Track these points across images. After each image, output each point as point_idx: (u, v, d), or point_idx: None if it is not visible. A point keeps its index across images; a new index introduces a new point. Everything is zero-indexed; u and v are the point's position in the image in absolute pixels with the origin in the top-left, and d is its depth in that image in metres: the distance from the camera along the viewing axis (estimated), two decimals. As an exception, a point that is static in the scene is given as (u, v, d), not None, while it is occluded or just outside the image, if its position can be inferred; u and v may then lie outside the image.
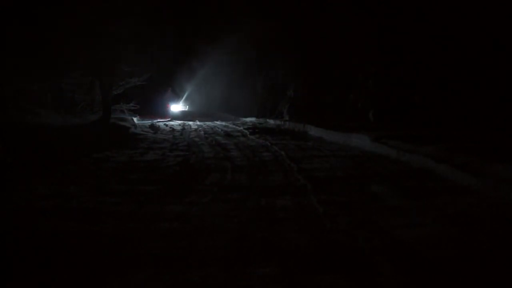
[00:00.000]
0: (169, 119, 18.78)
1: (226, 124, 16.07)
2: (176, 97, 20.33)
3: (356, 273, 2.35)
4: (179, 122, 17.60)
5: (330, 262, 2.50)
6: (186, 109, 20.31)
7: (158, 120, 17.79)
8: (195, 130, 13.48)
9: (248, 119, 17.38)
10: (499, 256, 2.59)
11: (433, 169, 5.29)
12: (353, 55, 11.03)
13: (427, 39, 9.14)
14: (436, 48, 9.05)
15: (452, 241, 2.84)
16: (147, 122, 16.11)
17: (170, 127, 14.55)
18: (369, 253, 2.62)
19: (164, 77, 19.92)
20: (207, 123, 16.88)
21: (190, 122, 17.24)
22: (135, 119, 15.57)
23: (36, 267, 2.46)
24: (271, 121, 14.79)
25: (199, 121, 17.74)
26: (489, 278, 2.31)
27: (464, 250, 2.68)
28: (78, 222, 3.30)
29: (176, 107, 20.14)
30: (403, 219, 3.36)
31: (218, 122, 17.04)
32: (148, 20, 14.25)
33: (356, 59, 10.99)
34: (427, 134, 7.22)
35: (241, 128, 13.34)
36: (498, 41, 8.04)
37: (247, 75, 19.17)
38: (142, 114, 17.24)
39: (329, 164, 6.13)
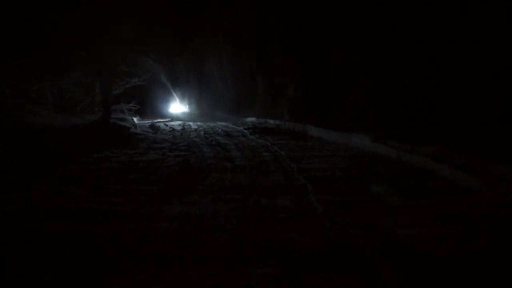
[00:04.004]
0: (169, 119, 18.79)
1: (226, 124, 16.07)
2: (177, 97, 20.34)
3: (356, 273, 2.35)
4: (179, 122, 17.61)
5: (330, 262, 2.50)
6: (186, 109, 20.31)
7: (158, 120, 17.79)
8: (195, 130, 13.48)
9: (248, 119, 17.38)
10: (499, 256, 2.59)
11: (433, 169, 5.29)
12: (353, 55, 11.02)
13: (427, 39, 9.13)
14: (436, 48, 9.04)
15: (452, 241, 2.84)
16: (147, 122, 16.12)
17: (170, 127, 14.55)
18: (369, 253, 2.62)
19: (164, 77, 19.92)
20: (207, 123, 16.89)
21: (190, 122, 17.24)
22: (135, 119, 15.57)
23: (36, 267, 2.46)
24: (271, 121, 14.79)
25: (199, 121, 17.75)
26: (489, 278, 2.31)
27: (464, 250, 2.68)
28: (78, 222, 3.30)
29: (176, 108, 20.15)
30: (403, 219, 3.36)
31: (218, 122, 17.05)
32: (148, 20, 14.25)
33: (356, 59, 10.98)
34: (427, 134, 7.21)
35: (241, 128, 13.34)
36: (498, 41, 8.03)
37: (247, 75, 19.17)
38: (142, 114, 17.24)
39: (329, 164, 6.13)
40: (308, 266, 2.44)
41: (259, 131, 11.79)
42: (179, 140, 10.20)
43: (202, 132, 12.31)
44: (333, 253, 2.65)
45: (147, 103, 18.53)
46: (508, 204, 3.73)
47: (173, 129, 13.76)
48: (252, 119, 17.08)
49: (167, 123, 16.61)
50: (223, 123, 16.42)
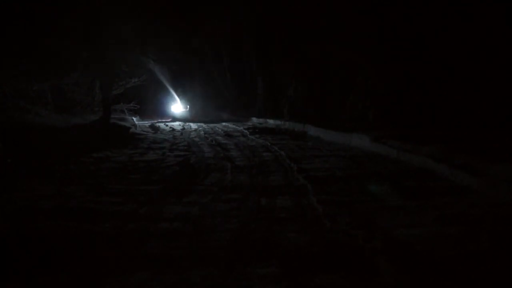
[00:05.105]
0: (170, 119, 18.78)
1: (226, 124, 16.08)
2: (177, 97, 20.32)
3: (356, 273, 2.35)
4: (179, 122, 17.61)
5: (330, 262, 2.50)
6: (187, 109, 20.29)
7: (158, 120, 17.78)
8: (195, 130, 13.49)
9: (248, 119, 17.37)
10: (499, 256, 2.59)
11: (433, 169, 5.29)
12: (353, 55, 11.02)
13: (428, 39, 9.13)
14: (437, 48, 9.04)
15: (452, 241, 2.84)
16: (147, 122, 16.12)
17: (170, 127, 14.56)
18: (369, 253, 2.62)
19: (164, 77, 19.90)
20: (207, 123, 16.89)
21: (190, 123, 17.25)
22: (135, 119, 15.57)
23: (36, 267, 2.46)
24: (271, 121, 14.79)
25: (199, 121, 17.75)
26: (489, 278, 2.31)
27: (464, 250, 2.68)
28: (78, 222, 3.30)
29: (177, 108, 20.14)
30: (403, 219, 3.36)
31: (218, 122, 17.04)
32: (148, 20, 14.24)
33: (356, 59, 10.99)
34: (427, 134, 7.21)
35: (241, 128, 13.34)
36: (498, 41, 8.03)
37: (247, 75, 19.18)
38: (142, 114, 17.24)
39: (329, 164, 6.13)
40: (308, 266, 2.44)
41: (259, 131, 11.79)
42: (179, 140, 10.20)
43: (202, 132, 12.31)
44: (333, 253, 2.65)
45: (147, 103, 18.53)
46: (508, 204, 3.72)
47: (173, 129, 13.76)
48: (252, 119, 17.08)
49: (167, 123, 16.61)
50: (223, 123, 16.42)
